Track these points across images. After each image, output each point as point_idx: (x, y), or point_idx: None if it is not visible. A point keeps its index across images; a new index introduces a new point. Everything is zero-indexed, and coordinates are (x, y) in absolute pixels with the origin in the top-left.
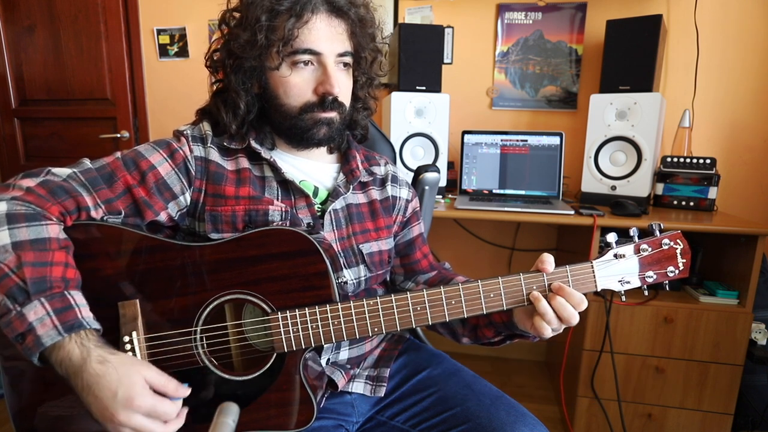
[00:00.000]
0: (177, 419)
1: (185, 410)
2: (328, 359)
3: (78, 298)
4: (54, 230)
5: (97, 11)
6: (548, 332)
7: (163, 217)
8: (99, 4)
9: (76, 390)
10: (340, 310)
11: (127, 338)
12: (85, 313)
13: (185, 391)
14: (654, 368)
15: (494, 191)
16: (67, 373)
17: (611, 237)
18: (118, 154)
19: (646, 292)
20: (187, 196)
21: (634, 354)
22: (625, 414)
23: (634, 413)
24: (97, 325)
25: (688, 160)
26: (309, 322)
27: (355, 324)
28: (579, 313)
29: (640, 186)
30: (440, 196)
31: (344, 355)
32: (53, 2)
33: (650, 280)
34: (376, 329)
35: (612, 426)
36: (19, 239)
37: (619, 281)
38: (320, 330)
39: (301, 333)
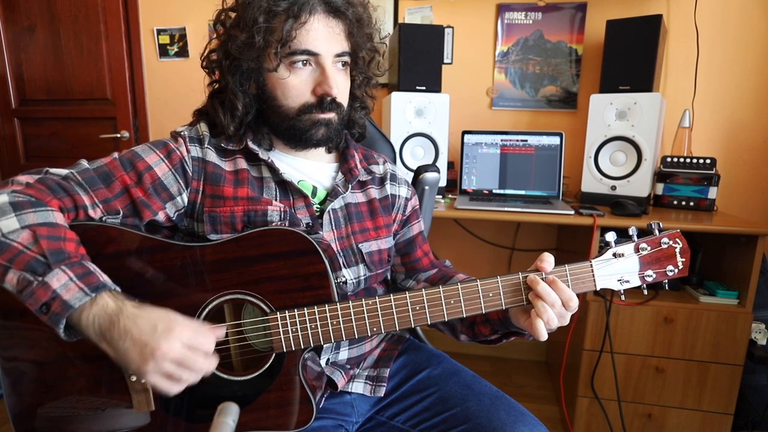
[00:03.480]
0: (212, 359)
1: (216, 355)
2: (328, 359)
3: (95, 267)
4: (60, 217)
5: (97, 11)
6: (541, 327)
7: (161, 217)
8: (99, 4)
9: (111, 344)
10: (339, 310)
11: None
12: (106, 277)
13: (221, 329)
14: (654, 368)
15: (494, 191)
16: (100, 328)
17: (610, 236)
18: (116, 154)
19: (645, 292)
20: (185, 196)
21: (634, 354)
22: (625, 414)
23: (634, 413)
24: (119, 289)
25: (688, 160)
26: (308, 322)
27: (354, 324)
28: (579, 312)
29: (640, 186)
30: (440, 196)
31: (344, 355)
32: (53, 2)
33: (650, 279)
34: (375, 329)
35: (612, 426)
36: (29, 222)
37: (619, 280)
38: (319, 330)
39: (300, 333)
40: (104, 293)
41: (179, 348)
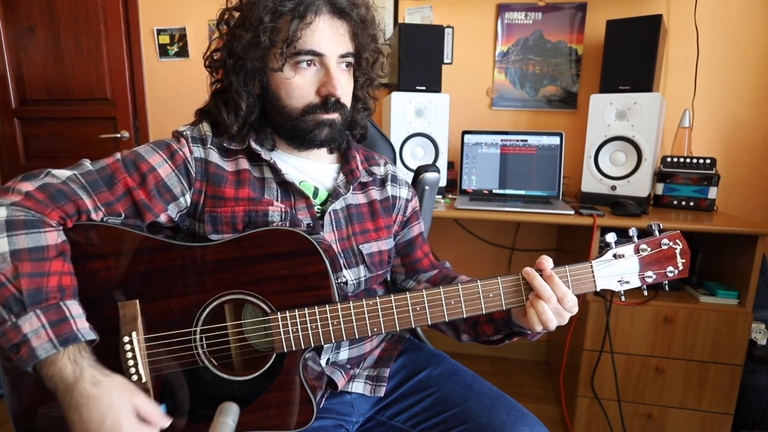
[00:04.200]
0: None
1: None
2: (328, 359)
3: (74, 308)
4: (52, 237)
5: (97, 11)
6: (536, 323)
7: (163, 218)
8: (99, 4)
9: (62, 405)
10: (339, 310)
11: (126, 339)
12: (81, 324)
13: (167, 421)
14: (654, 368)
15: (494, 191)
16: (56, 388)
17: (610, 237)
18: (118, 155)
19: (645, 293)
20: (188, 197)
21: (634, 354)
22: (625, 414)
23: (634, 413)
24: (93, 336)
25: (688, 160)
26: (308, 323)
27: (354, 324)
28: (579, 312)
29: (640, 186)
30: (440, 196)
31: (344, 355)
32: (53, 2)
33: (650, 280)
34: (375, 329)
35: (612, 426)
36: (18, 247)
37: (619, 281)
38: (320, 330)
39: (300, 333)
40: (68, 351)
41: None
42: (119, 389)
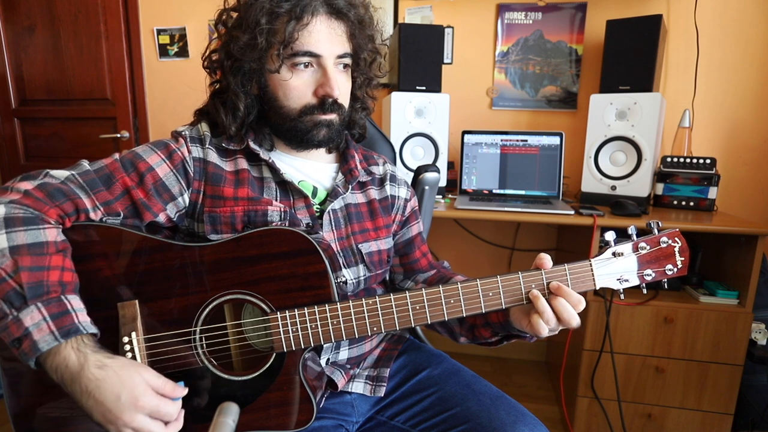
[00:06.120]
0: (176, 422)
1: (182, 412)
2: (328, 359)
3: (75, 302)
4: (52, 234)
5: (97, 11)
6: (545, 331)
7: (161, 218)
8: (99, 4)
9: (74, 395)
10: (339, 309)
11: (126, 339)
12: (82, 317)
13: (182, 390)
14: (654, 368)
15: (494, 191)
16: (62, 379)
17: (609, 235)
18: (116, 155)
19: (644, 291)
20: (186, 197)
21: (634, 354)
22: (625, 414)
23: (634, 413)
24: (94, 330)
25: (688, 160)
26: (308, 322)
27: (354, 324)
28: (579, 313)
29: (640, 186)
30: (440, 196)
31: (344, 354)
32: (53, 2)
33: (649, 279)
34: (375, 329)
35: (612, 426)
36: (17, 243)
37: (618, 279)
38: (319, 330)
39: (300, 333)
40: (70, 342)
41: (141, 419)
42: (127, 367)
